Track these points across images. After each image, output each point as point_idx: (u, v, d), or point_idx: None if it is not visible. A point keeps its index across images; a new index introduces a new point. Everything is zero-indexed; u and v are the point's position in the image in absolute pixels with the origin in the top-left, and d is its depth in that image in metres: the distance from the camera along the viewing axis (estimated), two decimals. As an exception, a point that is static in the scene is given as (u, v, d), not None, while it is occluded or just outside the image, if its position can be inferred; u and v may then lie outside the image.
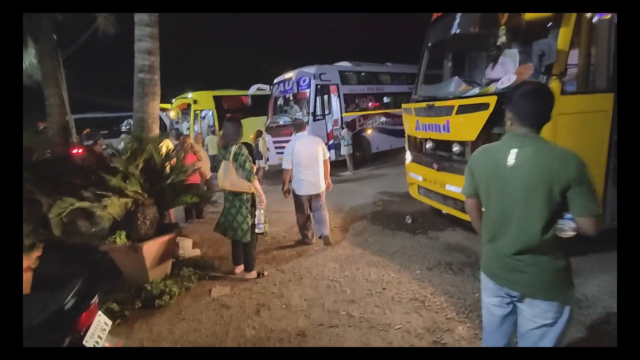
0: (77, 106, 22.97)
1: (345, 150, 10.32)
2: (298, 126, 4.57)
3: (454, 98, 3.88)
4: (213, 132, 13.06)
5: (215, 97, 13.92)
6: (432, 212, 5.35)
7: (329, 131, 10.67)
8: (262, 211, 3.57)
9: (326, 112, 10.73)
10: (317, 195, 4.40)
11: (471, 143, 3.54)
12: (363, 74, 12.26)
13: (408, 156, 5.09)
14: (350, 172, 10.47)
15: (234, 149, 3.49)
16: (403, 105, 5.02)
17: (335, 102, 11.16)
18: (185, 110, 13.81)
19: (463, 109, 3.53)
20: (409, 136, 5.00)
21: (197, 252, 4.45)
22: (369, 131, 12.01)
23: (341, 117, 11.10)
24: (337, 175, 10.39)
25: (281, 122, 11.38)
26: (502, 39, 4.01)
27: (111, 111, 21.76)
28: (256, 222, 3.57)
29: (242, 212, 3.51)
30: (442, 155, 4.16)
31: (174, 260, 3.97)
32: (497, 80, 4.04)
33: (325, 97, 10.81)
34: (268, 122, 11.80)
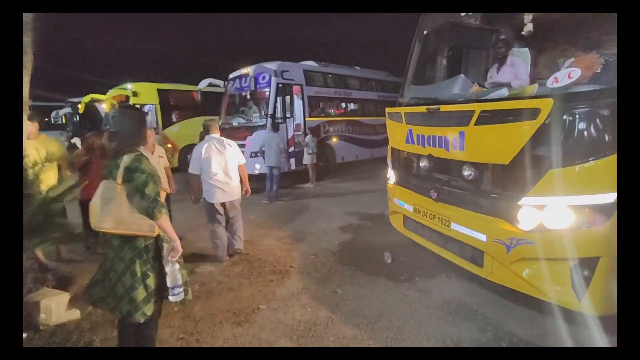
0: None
1: (308, 159, 9.05)
2: (208, 127, 4.09)
3: (467, 101, 2.74)
4: (155, 131, 11.23)
5: (159, 91, 12.07)
6: (414, 246, 4.18)
7: (289, 136, 9.34)
8: (178, 267, 2.12)
9: (287, 115, 9.41)
10: (233, 203, 4.10)
11: (502, 168, 2.40)
12: (330, 76, 11.11)
13: (391, 175, 3.91)
14: (312, 184, 9.21)
15: (125, 160, 2.01)
16: (388, 110, 3.85)
17: (298, 104, 9.88)
18: (122, 104, 11.78)
19: (490, 117, 2.38)
20: (394, 150, 3.81)
21: (74, 314, 2.86)
22: (334, 139, 10.85)
23: (304, 122, 9.83)
24: (297, 187, 9.07)
25: (235, 124, 9.88)
26: (528, 27, 2.96)
27: (36, 100, 18.94)
28: (170, 286, 2.10)
29: (133, 272, 2.03)
30: (445, 180, 3.00)
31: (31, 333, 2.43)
32: (503, 85, 3.02)
33: (287, 98, 9.49)
34: (220, 123, 10.21)
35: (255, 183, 9.37)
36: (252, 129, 9.10)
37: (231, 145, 4.06)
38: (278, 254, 4.38)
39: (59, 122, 16.32)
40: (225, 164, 3.92)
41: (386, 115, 3.88)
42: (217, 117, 10.36)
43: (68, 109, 14.68)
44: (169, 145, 12.14)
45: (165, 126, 12.12)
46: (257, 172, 8.76)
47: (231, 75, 10.16)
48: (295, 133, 9.52)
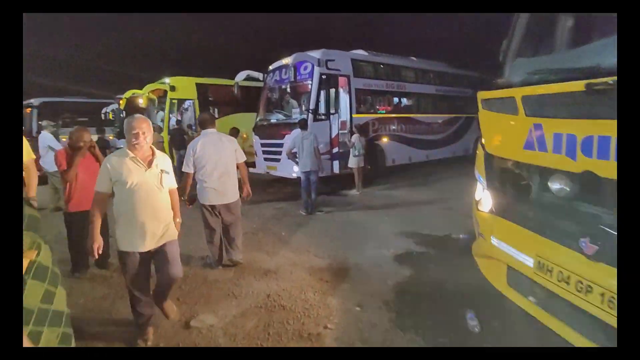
0: (50, 92, 20.74)
1: (354, 162, 7.76)
2: (204, 121, 3.70)
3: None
4: (194, 129, 10.61)
5: (198, 85, 11.41)
6: (507, 304, 2.67)
7: (333, 135, 8.11)
8: None
9: (332, 110, 8.18)
10: (228, 207, 3.66)
11: None
12: (382, 66, 9.71)
13: (486, 199, 2.49)
14: (358, 191, 7.91)
15: None
16: (484, 96, 2.43)
17: (344, 99, 8.62)
18: (161, 99, 11.30)
19: None
20: (494, 158, 2.39)
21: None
22: (385, 139, 9.44)
23: (351, 119, 8.55)
24: (340, 194, 7.82)
25: (273, 120, 8.86)
26: None
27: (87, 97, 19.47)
28: None
29: None
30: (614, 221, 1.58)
31: None
32: None
33: (332, 91, 8.26)
34: (257, 120, 9.27)
35: (294, 186, 8.51)
36: (291, 126, 8.01)
37: (229, 142, 3.66)
38: (310, 299, 3.15)
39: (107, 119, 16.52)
40: (221, 162, 3.54)
41: (479, 104, 2.49)
42: (255, 114, 9.45)
43: (115, 106, 14.66)
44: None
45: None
46: (294, 175, 7.65)
47: (270, 67, 9.16)
48: (340, 132, 8.27)
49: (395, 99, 9.98)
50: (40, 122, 6.19)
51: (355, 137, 7.80)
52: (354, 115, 8.62)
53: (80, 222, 3.42)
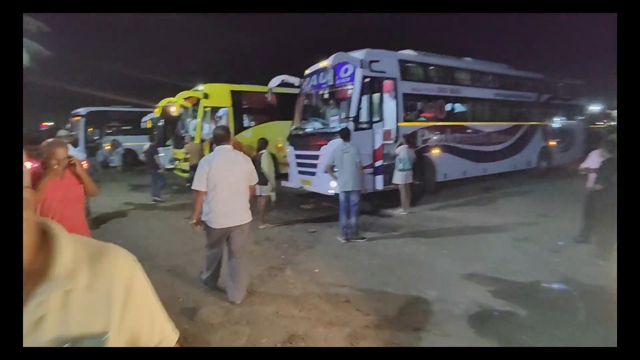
0: (95, 101, 21.49)
1: (400, 178, 6.67)
2: (219, 137, 3.32)
3: None
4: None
5: (233, 92, 10.90)
6: None
7: (377, 147, 7.06)
8: None
9: (375, 118, 7.15)
10: (239, 229, 3.29)
11: None
12: (433, 68, 8.55)
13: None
14: (405, 211, 6.79)
15: None
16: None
17: (389, 104, 7.57)
18: (195, 107, 10.89)
19: None
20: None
21: None
22: (436, 151, 8.24)
23: (397, 128, 7.47)
24: (384, 214, 6.75)
25: (309, 130, 7.99)
26: None
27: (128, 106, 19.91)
28: None
29: None
30: None
31: None
32: None
33: (376, 96, 7.25)
34: (292, 129, 8.46)
35: (333, 202, 7.62)
36: (328, 136, 7.09)
37: (245, 161, 3.39)
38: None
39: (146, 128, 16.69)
40: (235, 182, 3.26)
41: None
42: (291, 122, 8.65)
43: (153, 114, 14.65)
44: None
45: (237, 131, 10.88)
46: (332, 192, 6.69)
47: (307, 71, 8.33)
48: (385, 142, 7.21)
49: (449, 105, 8.75)
50: (59, 132, 5.69)
51: (402, 149, 6.71)
52: (401, 124, 7.53)
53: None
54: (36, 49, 10.63)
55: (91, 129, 18.08)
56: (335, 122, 7.40)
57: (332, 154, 5.29)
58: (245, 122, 11.46)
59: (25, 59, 9.78)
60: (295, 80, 8.65)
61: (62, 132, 5.80)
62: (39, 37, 10.65)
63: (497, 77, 9.82)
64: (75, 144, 17.28)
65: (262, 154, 5.88)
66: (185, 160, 9.47)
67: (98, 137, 17.20)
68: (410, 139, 7.33)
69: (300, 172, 7.88)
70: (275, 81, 8.51)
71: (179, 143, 10.47)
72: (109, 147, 16.92)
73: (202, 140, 9.78)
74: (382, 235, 5.49)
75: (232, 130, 10.87)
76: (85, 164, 8.77)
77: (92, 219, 6.08)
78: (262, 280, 3.88)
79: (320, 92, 7.83)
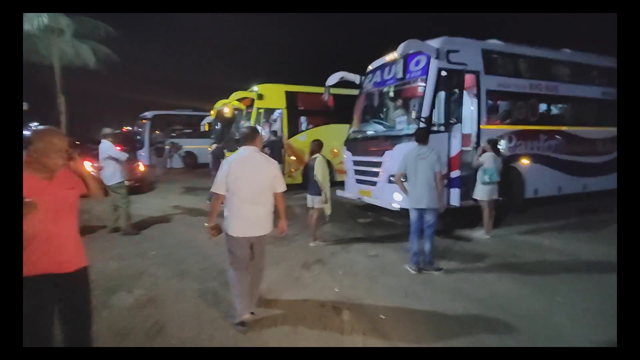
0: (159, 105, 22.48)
1: (484, 193, 5.40)
2: (245, 137, 3.03)
3: None
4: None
5: (287, 93, 10.27)
6: None
7: (453, 154, 5.85)
8: None
9: (452, 119, 5.94)
10: (260, 240, 3.03)
11: None
12: (524, 60, 7.09)
13: None
14: (488, 233, 5.48)
15: None
16: None
17: (469, 103, 6.31)
18: (250, 109, 10.45)
19: None
20: None
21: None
22: (525, 161, 6.76)
23: (478, 131, 6.18)
24: (460, 236, 5.51)
25: (370, 132, 7.00)
26: None
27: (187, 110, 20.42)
28: None
29: None
30: None
31: None
32: None
33: (454, 93, 6.04)
34: (350, 132, 7.52)
35: (397, 217, 6.55)
36: (393, 140, 6.04)
37: (270, 165, 2.98)
38: None
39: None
40: (258, 187, 2.92)
41: None
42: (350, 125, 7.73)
43: (210, 117, 14.67)
44: (293, 158, 10.21)
45: (291, 134, 10.24)
46: (396, 206, 5.62)
47: (370, 67, 7.36)
48: (463, 149, 5.97)
49: (543, 106, 7.19)
50: (103, 130, 5.34)
51: (488, 158, 5.43)
52: (483, 127, 6.22)
53: (37, 295, 1.97)
54: (105, 52, 10.91)
55: (157, 131, 18.93)
56: (402, 124, 6.31)
57: (403, 160, 4.22)
58: (301, 125, 10.80)
59: (93, 62, 10.02)
60: (355, 77, 7.72)
61: (106, 130, 5.44)
62: (108, 41, 10.93)
63: (604, 71, 7.98)
64: (140, 146, 18.02)
65: (315, 158, 4.99)
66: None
67: (162, 140, 17.73)
68: (495, 145, 5.99)
69: (359, 181, 6.89)
70: (333, 78, 7.65)
71: (233, 146, 10.08)
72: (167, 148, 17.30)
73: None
74: (463, 267, 4.29)
75: (285, 133, 10.30)
76: (141, 166, 8.57)
77: (133, 223, 5.68)
78: (310, 323, 2.96)
79: (385, 89, 6.83)
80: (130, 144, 16.54)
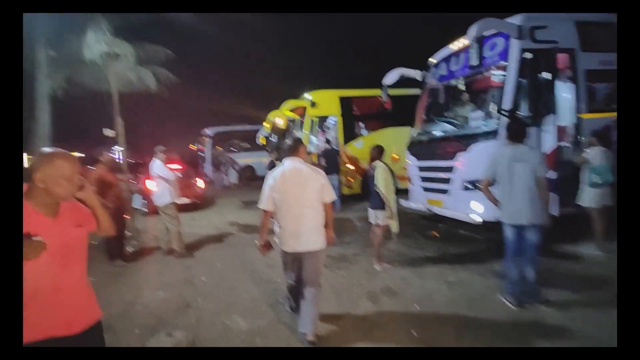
0: (221, 118, 23.26)
1: (591, 198, 4.32)
2: (288, 149, 3.00)
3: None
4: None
5: (342, 99, 9.71)
6: None
7: (550, 149, 4.74)
8: None
9: (543, 109, 4.85)
10: (311, 256, 2.82)
11: None
12: (631, 30, 5.70)
13: None
14: (603, 250, 4.31)
15: None
16: None
17: (564, 89, 5.15)
18: (302, 118, 10.08)
19: None
20: None
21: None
22: None
23: (578, 122, 5.00)
24: (563, 254, 4.40)
25: (438, 133, 6.11)
26: None
27: (251, 123, 20.78)
28: None
29: None
30: None
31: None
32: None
33: (543, 77, 4.94)
34: (413, 134, 6.69)
35: (476, 230, 5.43)
36: (467, 139, 5.12)
37: (316, 175, 2.85)
38: None
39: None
40: (303, 200, 2.80)
41: None
42: (410, 128, 6.91)
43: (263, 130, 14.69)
44: (350, 166, 9.58)
45: (347, 141, 9.63)
46: (477, 219, 4.71)
47: (434, 58, 6.50)
48: (561, 144, 4.84)
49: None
50: (156, 148, 5.20)
51: (595, 153, 4.32)
52: (584, 116, 5.02)
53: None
54: (165, 75, 11.34)
55: (218, 147, 19.63)
56: (477, 121, 5.35)
57: (492, 163, 3.34)
58: (356, 131, 10.17)
59: (154, 85, 10.40)
60: (416, 73, 6.89)
61: (159, 148, 5.26)
62: (167, 65, 11.33)
63: None
64: (203, 162, 18.74)
65: (376, 166, 4.30)
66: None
67: (222, 155, 18.25)
68: (601, 136, 4.76)
69: (426, 189, 6.02)
70: (391, 77, 6.90)
71: (283, 157, 9.77)
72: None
73: (309, 153, 8.80)
74: (577, 298, 3.28)
75: (341, 140, 9.72)
76: (200, 183, 8.47)
77: (186, 245, 5.46)
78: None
79: (455, 81, 5.94)
80: (192, 161, 17.21)
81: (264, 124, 11.19)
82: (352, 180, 9.62)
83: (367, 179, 4.39)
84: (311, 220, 2.81)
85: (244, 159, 18.23)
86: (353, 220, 7.24)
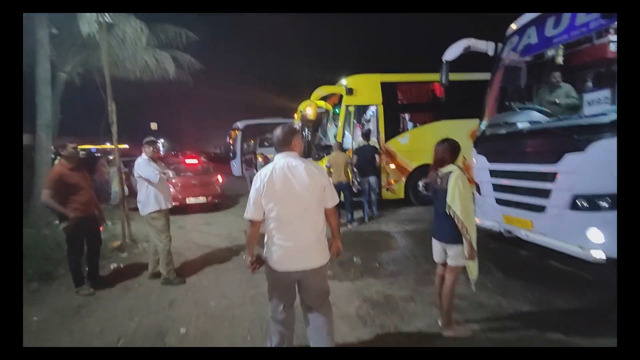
0: (256, 111, 22.30)
1: None
2: (277, 142, 2.33)
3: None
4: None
5: (384, 85, 8.13)
6: None
7: None
8: None
9: None
10: (313, 274, 2.26)
11: None
12: None
13: None
14: None
15: None
16: None
17: None
18: (336, 106, 8.60)
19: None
20: None
21: None
22: None
23: None
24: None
25: (523, 125, 4.40)
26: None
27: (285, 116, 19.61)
28: None
29: None
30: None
31: None
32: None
33: None
34: (483, 127, 5.00)
35: (583, 266, 3.53)
36: (583, 134, 3.41)
37: (317, 172, 2.27)
38: None
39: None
40: (300, 205, 2.23)
41: None
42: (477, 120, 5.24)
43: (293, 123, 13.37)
44: (392, 166, 8.02)
45: (389, 136, 8.05)
46: (599, 256, 3.04)
47: (514, 25, 4.77)
48: None
49: None
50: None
51: None
52: None
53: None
54: (188, 60, 10.38)
55: (250, 141, 18.68)
56: (598, 106, 3.63)
57: None
58: (402, 124, 8.57)
59: (173, 70, 9.42)
60: (488, 46, 5.18)
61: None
62: (190, 49, 10.37)
63: None
64: (233, 157, 17.80)
65: (449, 174, 2.71)
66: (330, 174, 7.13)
67: (253, 150, 17.18)
68: None
69: (503, 203, 4.37)
70: (454, 50, 5.22)
71: (319, 154, 8.35)
72: (260, 158, 16.44)
73: (344, 150, 7.37)
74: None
75: (382, 134, 8.15)
76: (220, 179, 7.21)
77: (182, 264, 4.20)
78: None
79: (551, 52, 4.22)
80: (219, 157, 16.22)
81: (295, 115, 9.84)
82: (394, 183, 8.07)
83: (437, 191, 2.81)
84: (311, 232, 2.27)
85: (272, 154, 17.02)
86: (395, 237, 5.71)
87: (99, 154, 18.64)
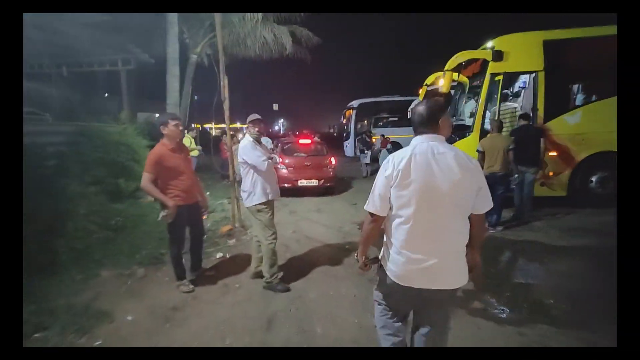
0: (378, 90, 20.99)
1: None
2: (423, 119, 1.78)
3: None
4: (500, 124, 5.41)
5: (548, 45, 6.09)
6: None
7: None
8: None
9: None
10: (444, 296, 1.77)
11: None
12: None
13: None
14: None
15: None
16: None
17: None
18: (477, 78, 6.90)
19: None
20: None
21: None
22: None
23: None
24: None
25: None
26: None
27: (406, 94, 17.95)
28: None
29: None
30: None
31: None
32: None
33: None
34: None
35: None
36: None
37: (471, 166, 1.72)
38: None
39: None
40: (448, 205, 1.69)
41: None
42: None
43: (418, 99, 11.79)
44: (553, 153, 6.10)
45: (551, 115, 6.07)
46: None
47: None
48: None
49: None
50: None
51: None
52: None
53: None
54: (306, 35, 9.91)
55: (364, 120, 17.84)
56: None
57: None
58: (573, 99, 6.43)
59: (290, 45, 9.05)
60: None
61: (251, 117, 3.44)
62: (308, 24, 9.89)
63: None
64: (347, 136, 17.07)
65: None
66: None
67: (368, 130, 16.17)
68: None
69: None
70: None
71: (452, 136, 6.89)
72: (375, 139, 15.26)
73: (486, 133, 5.82)
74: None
75: (541, 111, 6.20)
76: (333, 161, 6.45)
77: (286, 262, 3.60)
78: None
79: None
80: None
81: (419, 91, 8.44)
82: (553, 175, 6.12)
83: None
84: (453, 243, 1.72)
85: (391, 134, 15.63)
86: (564, 254, 4.07)
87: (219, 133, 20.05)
